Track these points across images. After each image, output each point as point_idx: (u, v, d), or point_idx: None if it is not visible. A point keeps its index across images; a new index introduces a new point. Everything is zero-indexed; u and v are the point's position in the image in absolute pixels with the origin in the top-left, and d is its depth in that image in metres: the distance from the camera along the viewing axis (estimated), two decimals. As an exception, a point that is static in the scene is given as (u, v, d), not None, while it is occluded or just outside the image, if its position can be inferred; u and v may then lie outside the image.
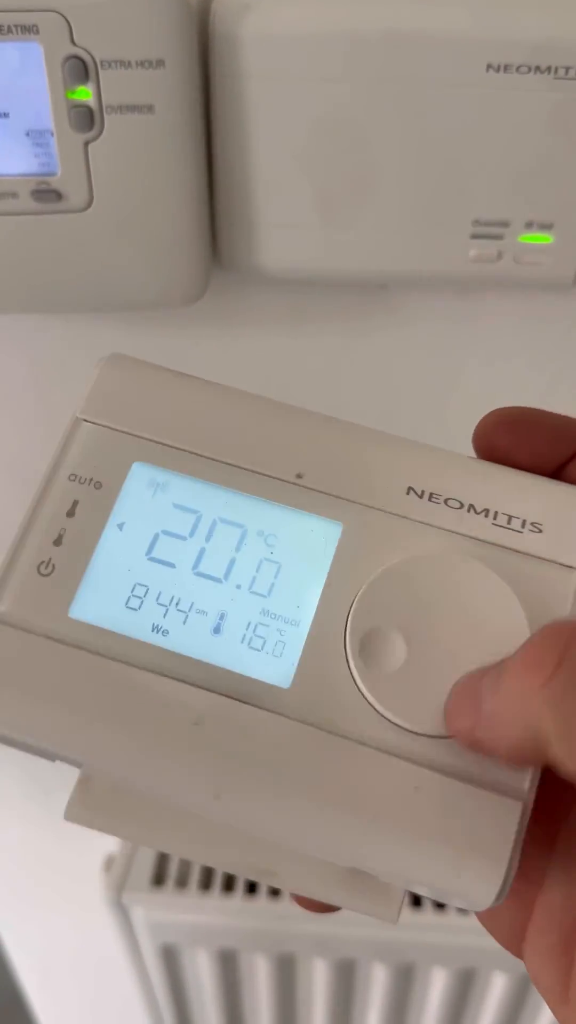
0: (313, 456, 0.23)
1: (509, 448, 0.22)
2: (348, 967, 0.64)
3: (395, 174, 0.34)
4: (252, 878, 0.23)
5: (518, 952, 0.22)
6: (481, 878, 0.19)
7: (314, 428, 0.23)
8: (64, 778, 0.69)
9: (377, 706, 0.21)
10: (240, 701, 0.21)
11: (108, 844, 0.68)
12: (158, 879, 0.64)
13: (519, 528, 0.22)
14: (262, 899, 0.61)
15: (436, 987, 0.63)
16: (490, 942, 0.23)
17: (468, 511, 0.22)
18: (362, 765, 0.20)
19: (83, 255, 0.35)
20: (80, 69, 0.32)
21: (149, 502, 0.23)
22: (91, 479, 0.23)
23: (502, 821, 0.20)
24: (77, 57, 0.32)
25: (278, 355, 0.43)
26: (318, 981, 0.66)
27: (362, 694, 0.21)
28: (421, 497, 0.22)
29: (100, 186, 0.34)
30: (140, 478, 0.23)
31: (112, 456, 0.23)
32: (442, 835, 0.20)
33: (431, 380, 0.43)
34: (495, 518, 0.22)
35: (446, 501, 0.22)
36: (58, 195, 0.34)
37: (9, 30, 0.31)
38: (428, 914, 0.58)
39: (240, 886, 0.62)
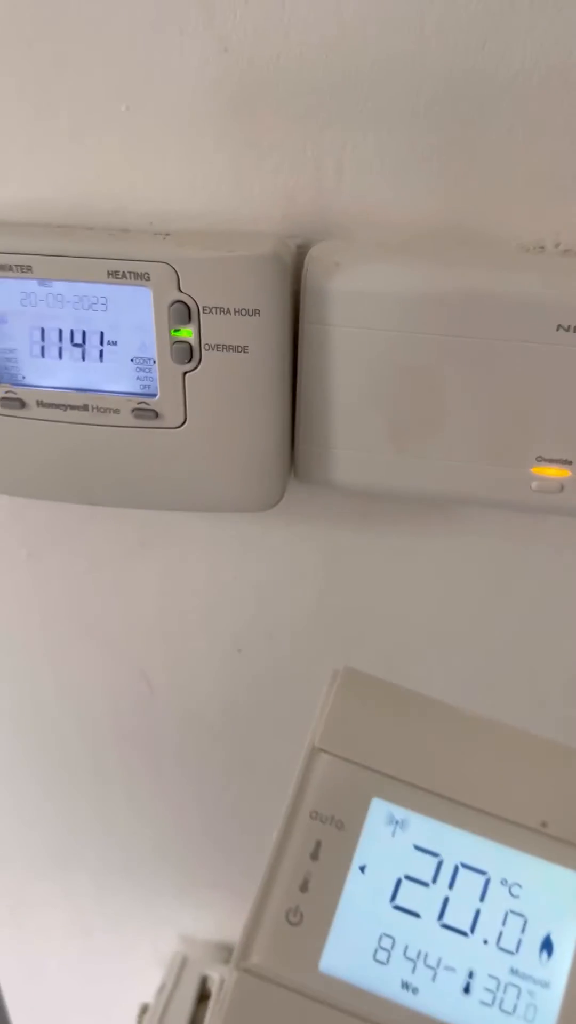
0: (559, 801, 0.22)
1: None
2: None
3: (464, 414, 0.36)
4: None
5: None
6: None
7: (559, 769, 0.23)
8: (106, 920, 0.70)
9: None
10: None
11: (144, 993, 0.68)
12: (191, 1037, 0.63)
13: None
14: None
15: None
16: None
17: None
18: None
19: (175, 465, 0.39)
20: (184, 312, 0.35)
21: (389, 842, 0.22)
22: (332, 817, 0.23)
23: None
24: (182, 302, 0.35)
25: (342, 554, 0.45)
26: None
27: None
28: None
29: (194, 409, 0.37)
30: (379, 815, 0.23)
31: (352, 792, 0.23)
32: None
33: (484, 591, 0.44)
34: None
35: None
36: (156, 414, 0.37)
37: (125, 275, 0.35)
38: None
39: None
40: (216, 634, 0.50)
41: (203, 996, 0.66)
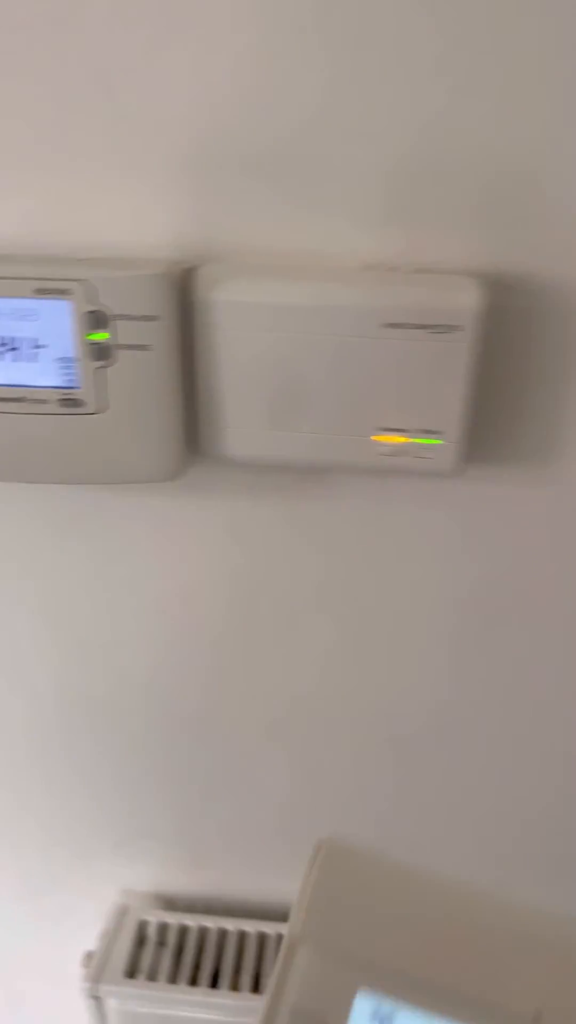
0: (553, 989, 0.20)
1: None
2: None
3: (320, 395, 0.47)
4: None
5: None
6: None
7: (553, 950, 0.21)
8: (53, 881, 0.78)
9: None
10: None
11: (89, 942, 0.75)
12: (131, 973, 0.70)
13: None
14: (223, 992, 0.68)
15: None
16: None
17: None
18: None
19: (97, 445, 0.48)
20: (99, 319, 0.45)
21: None
22: (314, 1014, 0.21)
23: None
24: (96, 311, 0.45)
25: (240, 521, 0.55)
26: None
27: None
28: None
29: (110, 398, 0.47)
30: (364, 1010, 0.21)
31: (335, 985, 0.21)
32: None
33: (356, 545, 0.55)
34: None
35: None
36: (78, 403, 0.47)
37: (49, 292, 0.45)
38: None
39: (204, 980, 0.69)
40: (139, 598, 0.59)
41: (141, 940, 0.74)
